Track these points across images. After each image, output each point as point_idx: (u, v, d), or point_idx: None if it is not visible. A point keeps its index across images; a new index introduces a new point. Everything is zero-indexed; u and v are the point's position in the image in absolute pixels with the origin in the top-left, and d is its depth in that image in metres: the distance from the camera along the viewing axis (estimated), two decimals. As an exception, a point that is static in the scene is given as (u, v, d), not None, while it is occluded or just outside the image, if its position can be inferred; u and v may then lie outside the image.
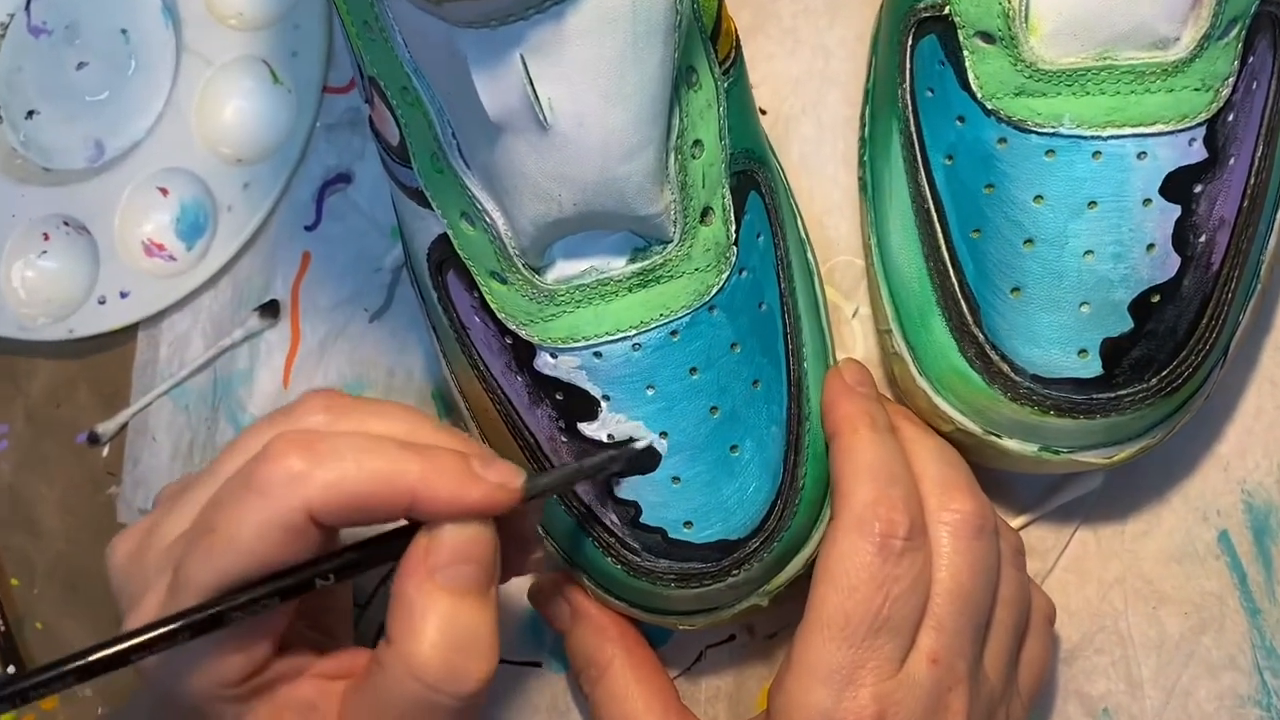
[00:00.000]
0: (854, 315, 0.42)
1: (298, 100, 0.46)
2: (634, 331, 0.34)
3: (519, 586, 0.41)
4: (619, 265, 0.34)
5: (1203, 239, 0.34)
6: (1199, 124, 0.33)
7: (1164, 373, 0.35)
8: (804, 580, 0.36)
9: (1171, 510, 0.40)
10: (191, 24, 0.47)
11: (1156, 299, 0.34)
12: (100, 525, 0.47)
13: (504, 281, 0.35)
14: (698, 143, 0.34)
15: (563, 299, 0.34)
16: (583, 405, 0.35)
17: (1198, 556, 0.40)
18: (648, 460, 0.35)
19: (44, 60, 0.48)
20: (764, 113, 0.42)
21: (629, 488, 0.35)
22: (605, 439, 0.35)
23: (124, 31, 0.48)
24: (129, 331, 0.47)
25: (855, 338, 0.42)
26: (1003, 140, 0.34)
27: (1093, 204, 0.34)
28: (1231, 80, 0.34)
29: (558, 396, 0.35)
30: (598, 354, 0.34)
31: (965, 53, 0.35)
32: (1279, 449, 0.40)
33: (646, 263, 0.34)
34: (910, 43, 0.37)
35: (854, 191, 0.42)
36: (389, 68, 0.34)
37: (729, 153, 0.35)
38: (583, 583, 0.38)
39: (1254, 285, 0.36)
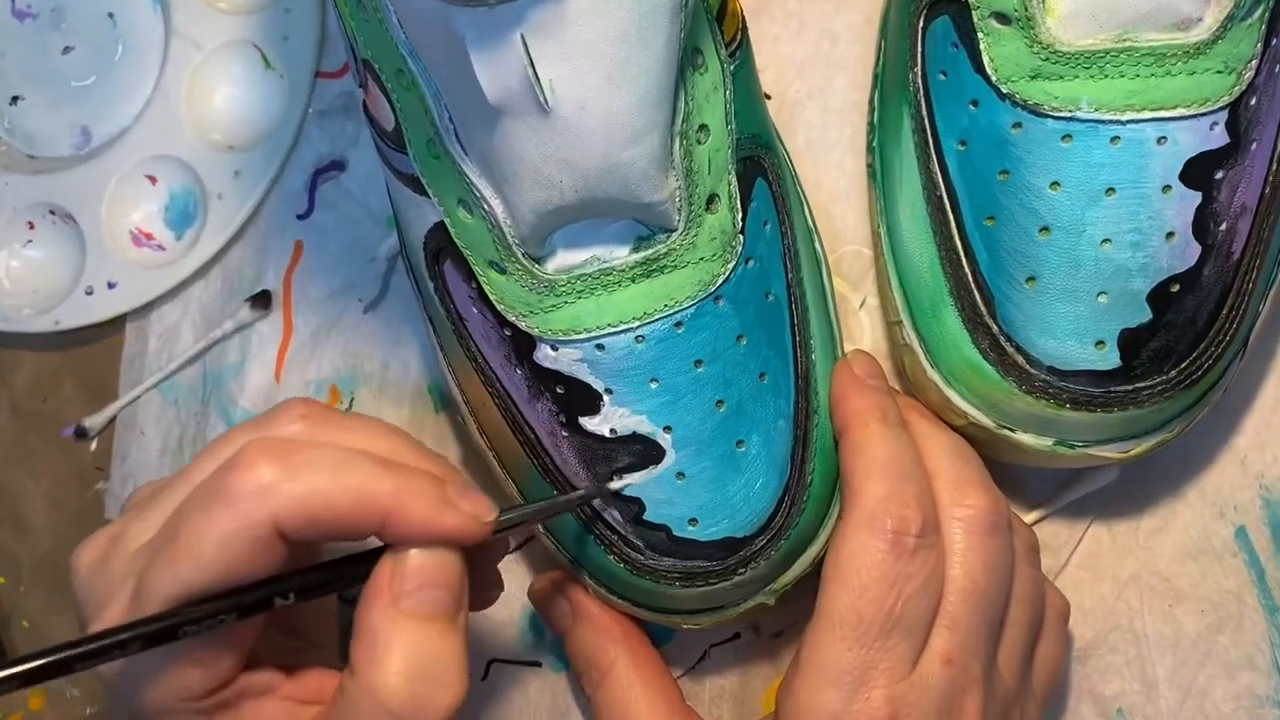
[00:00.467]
0: (861, 306, 0.41)
1: (289, 86, 0.45)
2: (637, 323, 0.33)
3: (519, 583, 0.40)
4: (622, 254, 0.33)
5: (1223, 227, 0.33)
6: (1221, 108, 0.32)
7: (1183, 364, 0.34)
8: (811, 578, 0.36)
9: (1187, 505, 0.40)
10: (180, 7, 0.46)
11: (1176, 288, 0.33)
12: (88, 521, 0.46)
13: (503, 271, 0.34)
14: (703, 127, 0.33)
15: (564, 289, 0.33)
16: (584, 399, 0.34)
17: (1214, 553, 0.39)
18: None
19: (29, 44, 0.47)
20: (769, 97, 0.41)
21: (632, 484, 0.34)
22: (608, 434, 0.34)
23: (111, 15, 0.47)
24: (117, 323, 0.46)
25: (863, 329, 0.41)
26: (1018, 125, 0.34)
27: (1111, 190, 0.33)
28: (1255, 62, 0.33)
29: (558, 390, 0.34)
30: (600, 346, 0.34)
31: (980, 35, 0.34)
32: (1298, 443, 0.39)
33: (650, 252, 0.33)
34: (921, 25, 0.36)
35: (861, 179, 0.41)
36: (383, 50, 0.33)
37: (735, 138, 0.34)
38: (584, 581, 0.37)
39: (1275, 274, 0.36)
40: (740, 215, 0.34)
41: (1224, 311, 0.34)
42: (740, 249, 0.34)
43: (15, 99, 0.47)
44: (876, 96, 0.40)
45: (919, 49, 0.36)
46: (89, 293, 0.45)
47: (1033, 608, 0.35)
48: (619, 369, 0.34)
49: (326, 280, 0.44)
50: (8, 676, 0.28)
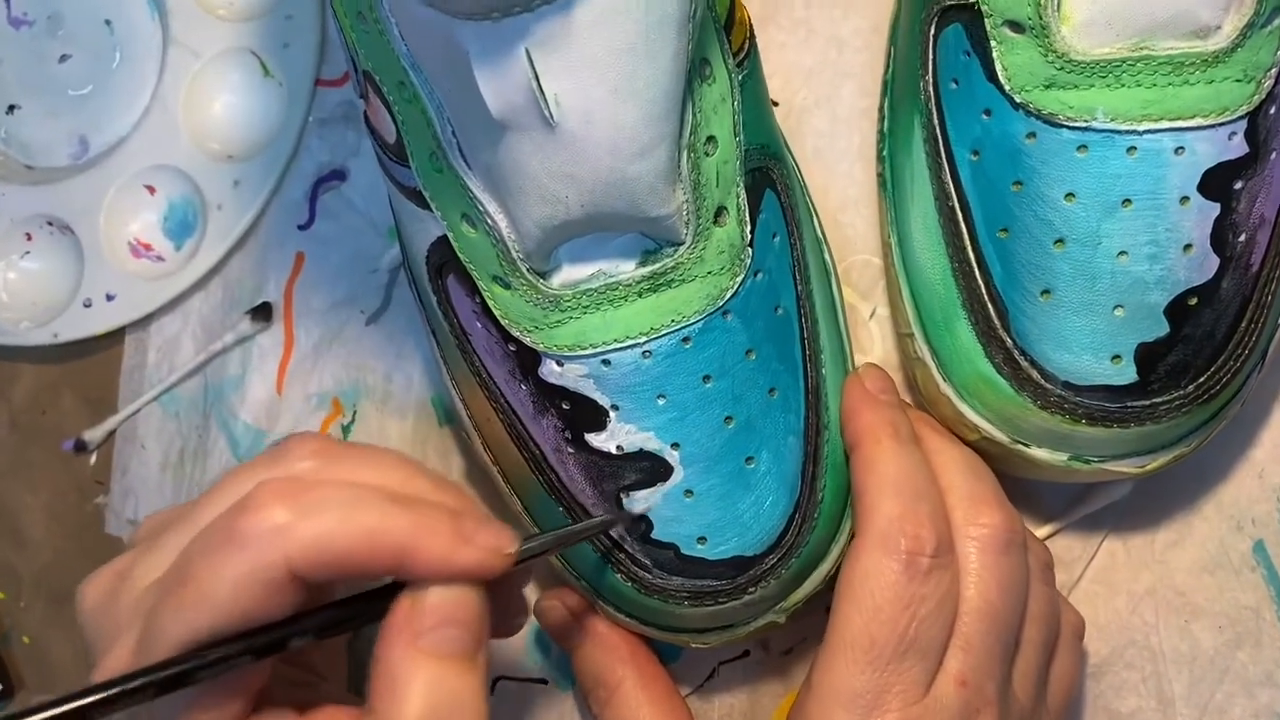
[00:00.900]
0: (871, 316, 0.40)
1: (289, 94, 0.44)
2: (644, 338, 0.33)
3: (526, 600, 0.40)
4: (628, 269, 0.33)
5: (1242, 238, 0.33)
6: (1240, 117, 0.32)
7: (1201, 379, 0.33)
8: (822, 595, 0.35)
9: (1204, 519, 0.39)
10: (178, 14, 0.45)
11: (1194, 302, 0.33)
12: (88, 535, 0.45)
13: (507, 286, 0.33)
14: (711, 139, 0.33)
15: (569, 304, 0.33)
16: (590, 415, 0.34)
17: (1232, 568, 0.39)
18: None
19: (25, 53, 0.47)
20: (776, 105, 0.41)
21: (640, 501, 0.34)
22: (614, 450, 0.34)
23: (108, 22, 0.46)
24: (116, 335, 0.45)
25: (873, 340, 0.40)
26: (1032, 135, 0.33)
27: (1127, 202, 0.32)
28: (1275, 71, 0.32)
29: (564, 406, 0.34)
30: (606, 361, 0.33)
31: (993, 43, 0.33)
32: (1317, 455, 0.39)
33: (657, 266, 0.33)
34: (933, 32, 0.35)
35: (871, 187, 0.41)
36: (385, 62, 0.32)
37: (743, 149, 0.34)
38: (591, 599, 0.37)
39: (1294, 286, 0.35)
40: (749, 228, 0.34)
41: (1243, 324, 0.33)
42: (749, 262, 0.34)
43: (12, 108, 0.47)
44: (886, 104, 0.40)
45: (930, 57, 0.36)
46: (87, 305, 0.45)
47: (1048, 626, 0.35)
48: (625, 385, 0.33)
49: (328, 291, 0.44)
50: None
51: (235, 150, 0.45)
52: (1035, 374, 0.34)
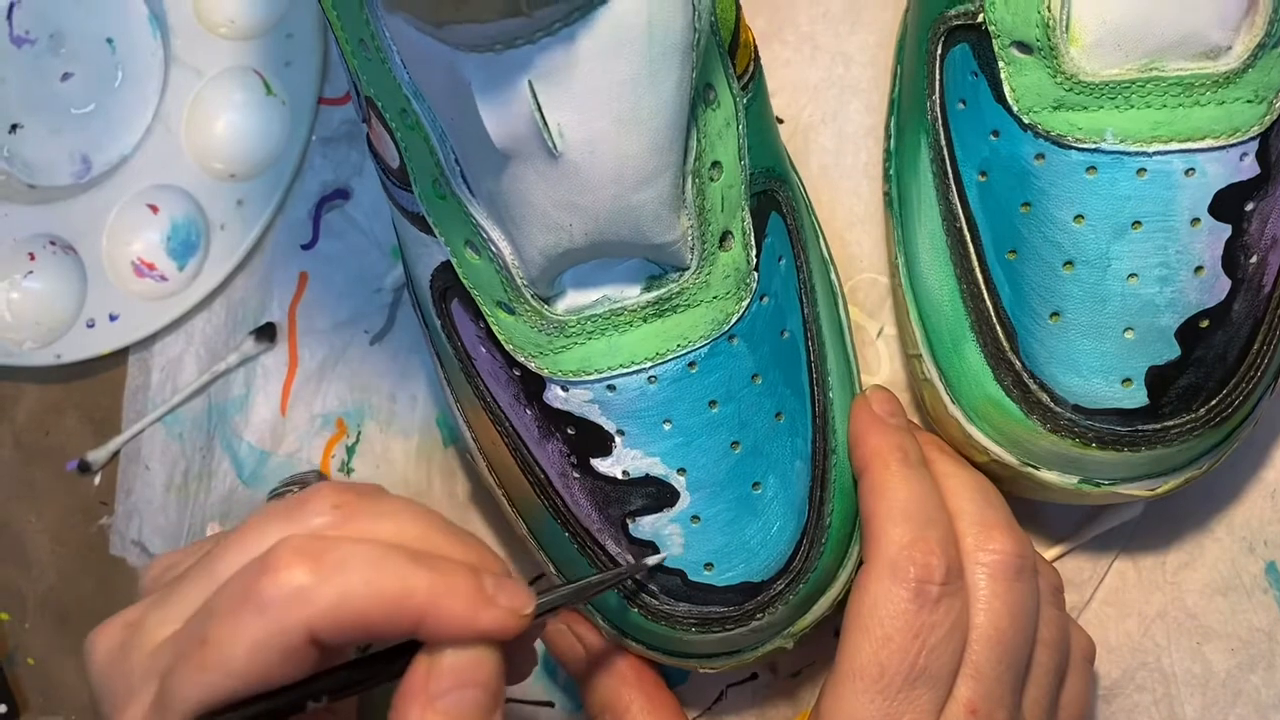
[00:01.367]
0: (879, 335, 0.40)
1: (292, 113, 0.44)
2: (649, 364, 0.32)
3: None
4: (633, 294, 0.32)
5: (1254, 260, 0.32)
6: (1251, 138, 0.31)
7: (1213, 402, 0.33)
8: (831, 618, 0.35)
9: (1215, 540, 0.39)
10: (180, 33, 0.45)
11: (1205, 324, 0.32)
12: (92, 556, 0.45)
13: (511, 312, 0.33)
14: (716, 164, 0.32)
15: (574, 330, 0.33)
16: (596, 440, 0.33)
17: (1244, 589, 0.38)
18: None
19: (27, 71, 0.47)
20: (781, 122, 0.40)
21: (646, 527, 0.33)
22: (620, 475, 0.33)
23: (110, 41, 0.46)
24: (119, 356, 0.45)
25: (880, 360, 0.40)
26: (1040, 156, 0.32)
27: (1137, 224, 0.32)
28: (1286, 91, 0.32)
29: (569, 431, 0.33)
30: (611, 387, 0.33)
31: (1000, 64, 0.33)
32: (1329, 475, 0.38)
33: (662, 291, 0.32)
34: (940, 52, 0.35)
35: (877, 205, 0.40)
36: (387, 88, 0.32)
37: (749, 173, 0.33)
38: (598, 624, 0.37)
39: (1307, 307, 0.34)
40: (754, 252, 0.33)
41: (1255, 347, 0.33)
42: (755, 286, 0.33)
43: (14, 127, 0.47)
44: (893, 123, 0.39)
45: (937, 77, 0.35)
46: (90, 325, 0.45)
47: (1058, 651, 0.34)
48: (631, 410, 0.33)
49: (332, 312, 0.43)
50: None
51: (238, 169, 0.44)
52: (1045, 397, 0.34)
